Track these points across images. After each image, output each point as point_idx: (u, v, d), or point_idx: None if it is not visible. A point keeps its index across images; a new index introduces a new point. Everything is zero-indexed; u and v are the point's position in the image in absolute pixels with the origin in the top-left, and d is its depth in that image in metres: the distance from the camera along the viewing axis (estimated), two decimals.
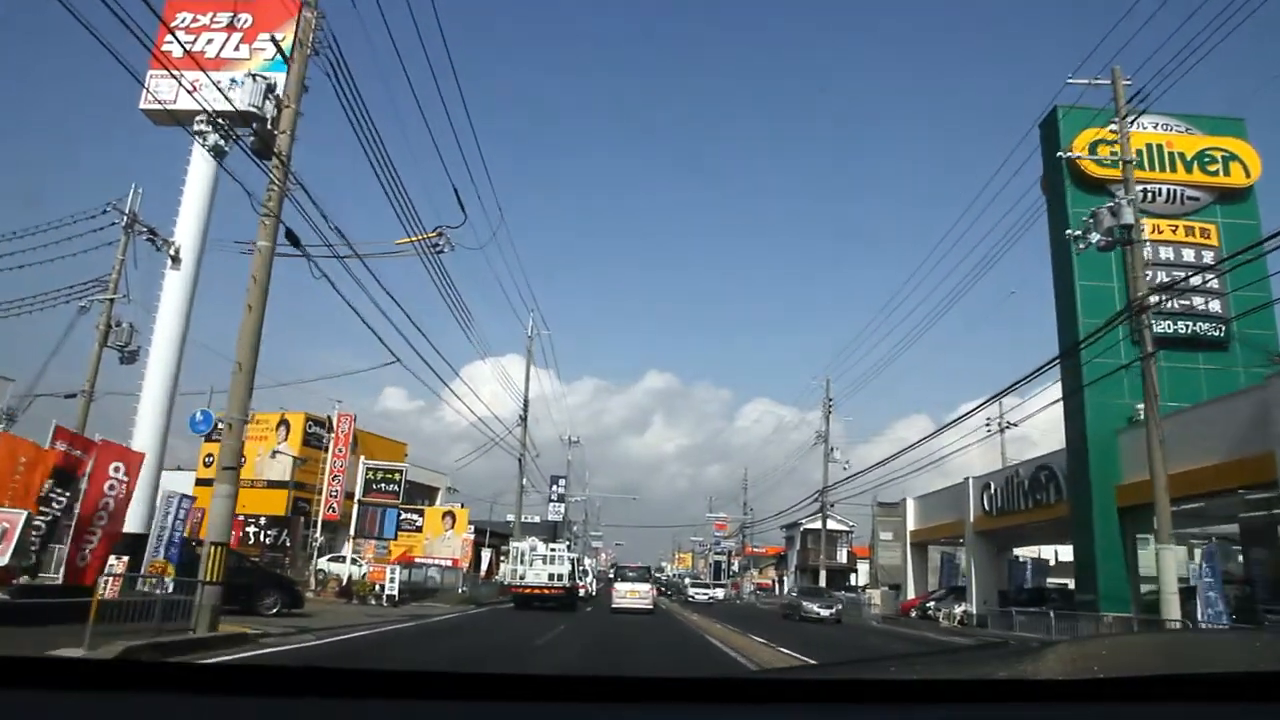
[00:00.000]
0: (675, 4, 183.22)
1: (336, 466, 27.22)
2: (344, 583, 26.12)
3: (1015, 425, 40.49)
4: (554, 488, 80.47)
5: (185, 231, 20.58)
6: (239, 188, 12.68)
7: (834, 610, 30.98)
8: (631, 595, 30.59)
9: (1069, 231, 20.80)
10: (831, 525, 62.05)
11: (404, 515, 40.33)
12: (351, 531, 27.13)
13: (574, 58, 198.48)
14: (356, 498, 27.69)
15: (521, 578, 29.77)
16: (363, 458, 29.63)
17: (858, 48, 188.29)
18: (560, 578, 29.76)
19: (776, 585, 74.68)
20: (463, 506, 65.57)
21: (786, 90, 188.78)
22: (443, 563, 38.02)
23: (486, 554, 53.53)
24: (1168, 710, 1.34)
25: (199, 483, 46.33)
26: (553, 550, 31.02)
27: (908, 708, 1.38)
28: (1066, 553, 45.24)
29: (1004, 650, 3.07)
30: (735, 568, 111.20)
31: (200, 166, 20.06)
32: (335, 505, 27.15)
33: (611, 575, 45.04)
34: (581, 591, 40.83)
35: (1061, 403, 24.27)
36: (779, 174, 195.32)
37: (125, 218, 24.00)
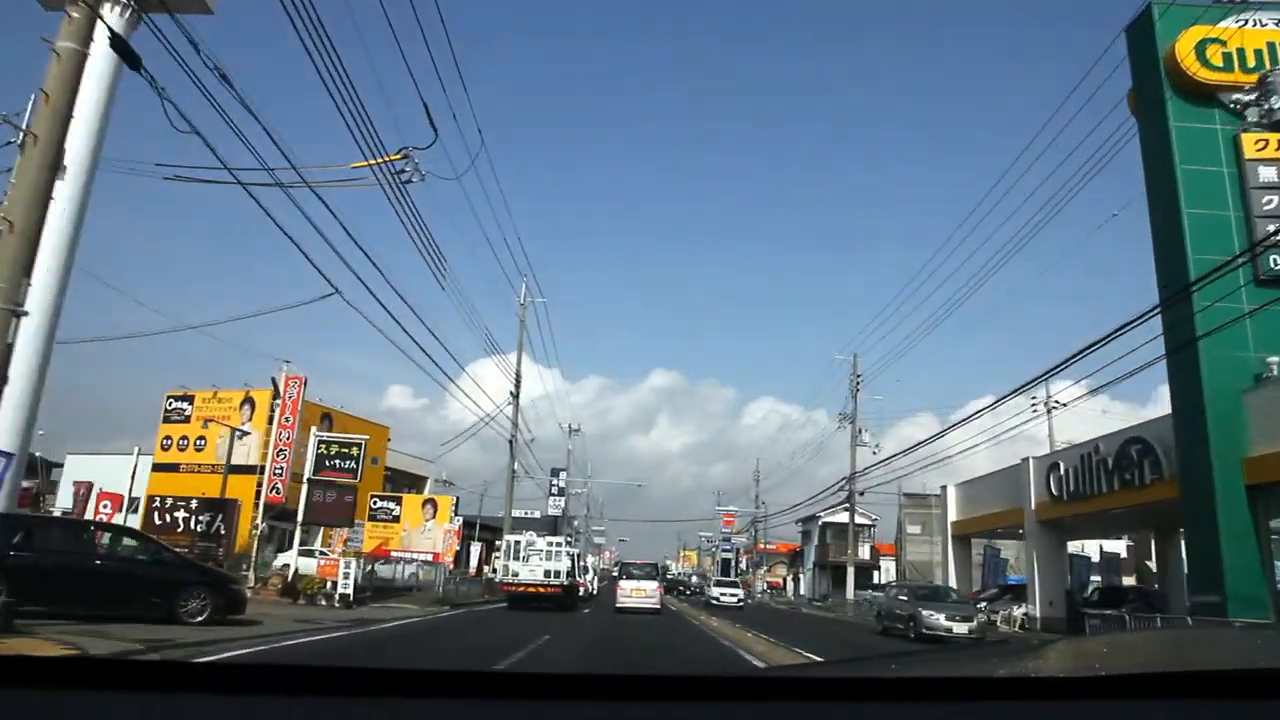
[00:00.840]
0: (677, 4, 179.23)
1: (282, 439, 22.71)
2: (288, 579, 21.60)
3: (1064, 406, 36.15)
4: (554, 480, 75.69)
5: (75, 137, 16.12)
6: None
7: (974, 623, 21.45)
8: (637, 594, 27.56)
9: (1236, 98, 16.11)
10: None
11: (379, 503, 35.87)
12: (299, 518, 22.54)
13: (573, 53, 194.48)
14: (306, 476, 23.12)
15: (514, 574, 25.40)
16: (313, 429, 25.07)
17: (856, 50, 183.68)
18: (558, 575, 25.38)
19: (790, 584, 69.85)
20: (452, 490, 61.49)
21: (788, 88, 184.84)
22: (422, 557, 33.52)
23: (476, 549, 49.11)
24: (1169, 707, 1.33)
25: (157, 468, 42.02)
26: (550, 544, 26.63)
27: (910, 705, 1.38)
28: (1115, 547, 40.87)
29: (1005, 648, 3.06)
30: (744, 565, 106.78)
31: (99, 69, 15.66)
32: (280, 486, 22.61)
33: (616, 573, 40.62)
34: (581, 590, 36.48)
35: (1098, 392, 19.65)
36: (789, 171, 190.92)
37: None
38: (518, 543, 26.09)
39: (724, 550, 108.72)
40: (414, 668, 1.25)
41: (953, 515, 35.43)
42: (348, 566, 21.32)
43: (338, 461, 22.80)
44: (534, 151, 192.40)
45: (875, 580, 55.15)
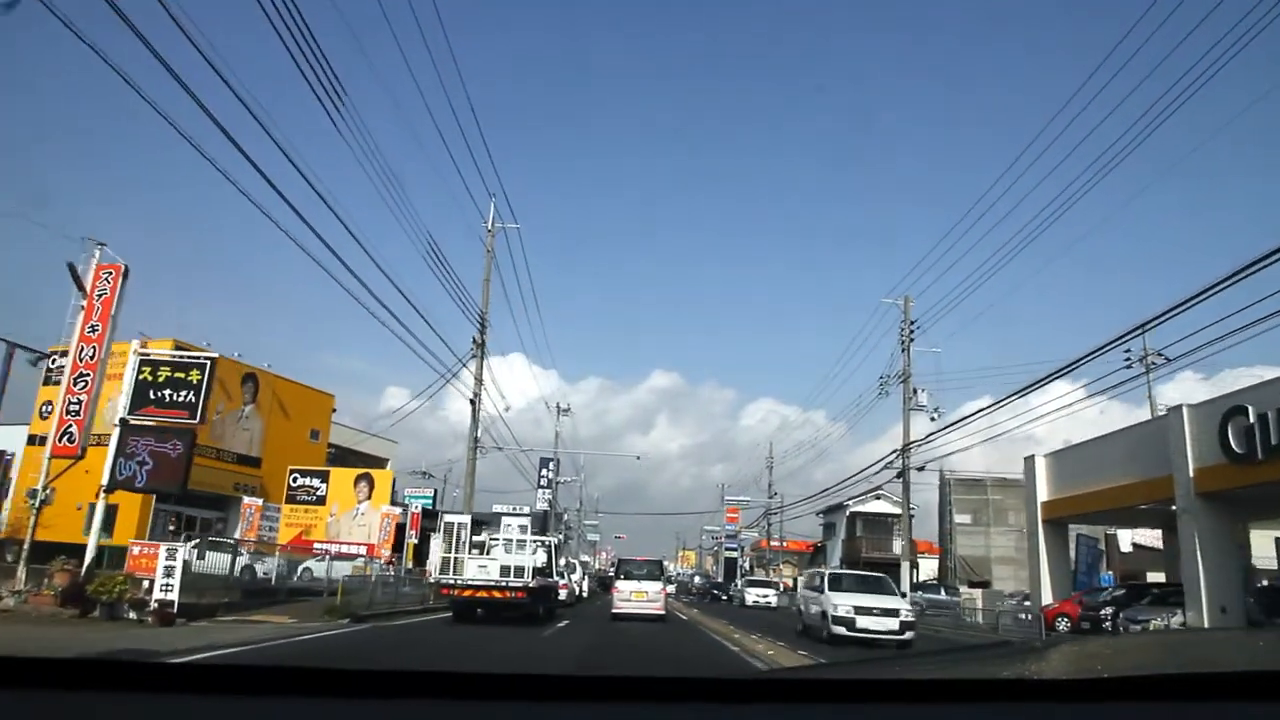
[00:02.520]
0: (679, 5, 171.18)
1: (86, 358, 14.45)
2: (77, 578, 13.37)
3: (1170, 361, 28.22)
4: (543, 472, 67.19)
5: None
6: None
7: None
8: (637, 597, 22.59)
9: None
10: (882, 507, 49.47)
11: (300, 480, 27.78)
12: (104, 480, 14.29)
13: (572, 52, 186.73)
14: (120, 416, 14.81)
15: (457, 572, 17.30)
16: (134, 345, 16.73)
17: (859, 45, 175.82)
18: (521, 572, 17.28)
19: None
20: (430, 482, 53.17)
21: (791, 88, 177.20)
22: (353, 549, 25.36)
23: (436, 543, 41.06)
24: (1170, 709, 1.34)
25: (32, 440, 33.75)
26: (511, 528, 18.50)
27: (912, 707, 1.37)
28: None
29: (1008, 650, 2.99)
30: (747, 566, 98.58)
31: None
32: (74, 431, 14.36)
33: (612, 573, 32.16)
34: (563, 593, 28.38)
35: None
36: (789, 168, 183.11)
37: None
38: (459, 526, 17.95)
39: (728, 548, 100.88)
40: (411, 669, 1.25)
41: (1043, 494, 27.31)
42: (171, 558, 13.12)
43: (168, 393, 14.58)
44: (539, 151, 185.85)
45: (913, 578, 46.96)
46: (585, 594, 40.57)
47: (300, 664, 1.27)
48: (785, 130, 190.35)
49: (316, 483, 27.61)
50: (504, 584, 16.85)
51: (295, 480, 27.65)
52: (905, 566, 30.72)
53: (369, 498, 27.14)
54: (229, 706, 1.21)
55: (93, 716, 1.18)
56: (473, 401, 28.78)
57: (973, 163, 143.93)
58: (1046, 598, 26.21)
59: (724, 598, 50.80)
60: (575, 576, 35.73)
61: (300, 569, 25.38)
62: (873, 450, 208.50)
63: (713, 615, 29.48)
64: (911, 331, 31.79)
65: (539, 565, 20.64)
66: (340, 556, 24.85)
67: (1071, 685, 1.52)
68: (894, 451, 31.66)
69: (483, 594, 16.90)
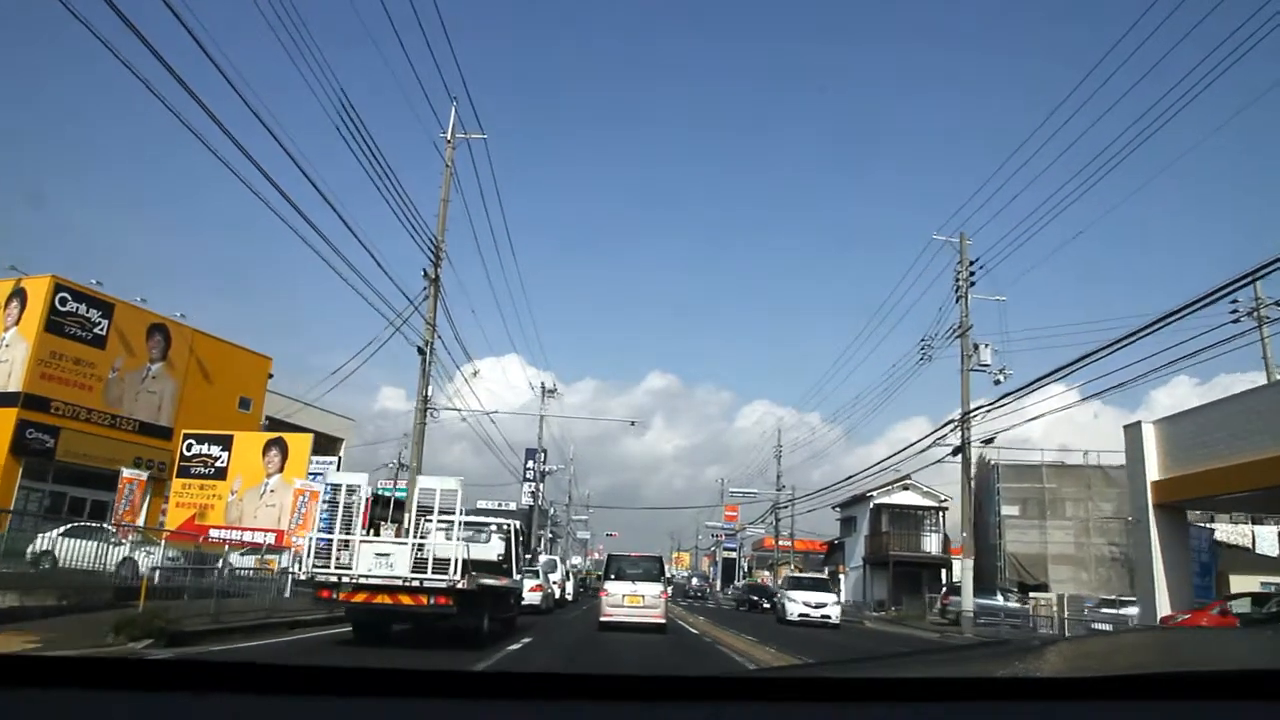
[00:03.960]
0: (679, 5, 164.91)
1: None
2: None
3: None
4: (529, 464, 60.89)
5: None
6: None
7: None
8: (631, 602, 18.08)
9: None
10: (911, 499, 43.38)
11: (195, 447, 21.59)
12: None
13: (562, 49, 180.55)
14: None
15: (341, 563, 11.07)
16: None
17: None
18: (444, 566, 10.98)
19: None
20: (405, 473, 46.91)
21: (789, 90, 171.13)
22: (255, 537, 19.13)
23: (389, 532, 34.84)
24: (1167, 708, 1.33)
25: None
26: (431, 493, 11.99)
27: (907, 705, 1.37)
28: None
29: (1003, 649, 3.01)
30: (747, 567, 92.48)
31: None
32: None
33: (601, 572, 25.55)
34: (536, 596, 22.32)
35: None
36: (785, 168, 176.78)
37: None
38: (348, 489, 11.70)
39: (727, 547, 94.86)
40: (405, 668, 1.25)
41: (1153, 471, 21.23)
42: None
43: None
44: (527, 151, 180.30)
45: (946, 578, 40.79)
46: (570, 596, 34.51)
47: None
48: (786, 128, 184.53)
49: (216, 450, 21.45)
50: (415, 583, 10.65)
51: (190, 448, 21.53)
52: (965, 565, 24.50)
53: (281, 470, 21.03)
54: (223, 705, 1.20)
55: (113, 715, 1.18)
56: (422, 350, 22.55)
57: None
58: (1162, 606, 20.14)
59: (765, 605, 39.17)
60: (556, 576, 29.58)
61: (220, 563, 19.18)
62: (870, 452, 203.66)
63: (720, 624, 23.33)
64: (971, 273, 25.67)
65: (488, 558, 14.52)
66: (243, 545, 18.67)
67: (1068, 684, 1.52)
68: (949, 422, 25.52)
69: (383, 598, 10.69)
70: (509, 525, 15.72)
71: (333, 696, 1.24)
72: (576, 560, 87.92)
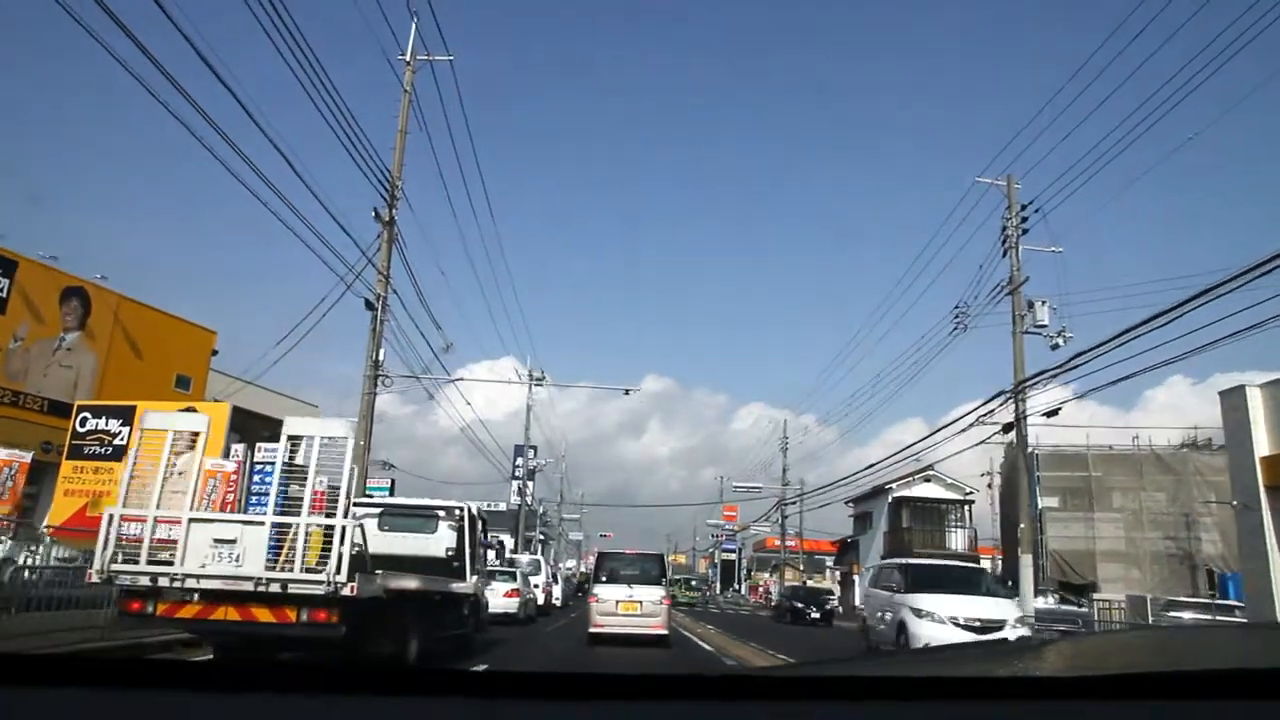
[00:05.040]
0: (678, 7, 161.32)
1: None
2: None
3: None
4: (518, 461, 56.67)
5: None
6: None
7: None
8: (626, 610, 14.74)
9: None
10: (934, 491, 39.55)
11: (90, 420, 17.67)
12: None
13: (567, 59, 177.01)
14: None
15: (155, 558, 7.20)
16: None
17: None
18: (325, 558, 7.04)
19: (838, 590, 51.52)
20: (391, 472, 43.16)
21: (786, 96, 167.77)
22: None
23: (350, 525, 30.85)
24: (1166, 707, 1.32)
25: None
26: (300, 447, 8.00)
27: (906, 704, 1.36)
28: None
29: (1002, 648, 2.96)
30: (747, 569, 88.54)
31: None
32: None
33: (594, 573, 20.66)
34: (512, 603, 18.58)
35: None
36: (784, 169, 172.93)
37: None
38: (173, 438, 7.96)
39: (725, 549, 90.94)
40: (405, 667, 1.30)
41: (1263, 446, 17.41)
42: None
43: None
44: (523, 159, 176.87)
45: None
46: (559, 602, 30.59)
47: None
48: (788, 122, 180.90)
49: (115, 425, 17.51)
50: (275, 587, 6.77)
51: (83, 423, 17.60)
52: (1024, 562, 20.55)
53: (192, 446, 17.16)
54: (223, 705, 1.19)
55: (108, 716, 1.18)
56: (371, 305, 18.59)
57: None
58: None
59: (813, 615, 31.25)
60: (540, 579, 25.61)
61: (24, 556, 15.44)
62: (864, 454, 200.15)
63: (737, 635, 19.44)
64: (1023, 218, 21.83)
65: (432, 553, 10.71)
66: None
67: (1067, 683, 1.51)
68: (1000, 394, 21.64)
69: (226, 612, 6.83)
70: (462, 511, 11.78)
71: (330, 694, 1.24)
72: (571, 563, 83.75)
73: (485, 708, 1.23)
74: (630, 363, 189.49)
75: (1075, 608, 24.45)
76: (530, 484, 61.02)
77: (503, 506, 65.53)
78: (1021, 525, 21.10)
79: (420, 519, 11.75)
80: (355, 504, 11.58)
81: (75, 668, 1.32)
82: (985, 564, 39.39)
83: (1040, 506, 32.10)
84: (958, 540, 38.44)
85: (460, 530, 11.58)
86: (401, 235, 20.03)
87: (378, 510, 11.91)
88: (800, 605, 32.22)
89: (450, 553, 11.51)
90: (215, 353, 29.04)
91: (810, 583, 67.24)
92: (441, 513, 11.82)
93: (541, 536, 76.13)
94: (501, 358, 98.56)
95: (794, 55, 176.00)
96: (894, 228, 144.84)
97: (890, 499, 39.17)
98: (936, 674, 1.65)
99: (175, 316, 27.96)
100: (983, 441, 24.79)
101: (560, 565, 72.34)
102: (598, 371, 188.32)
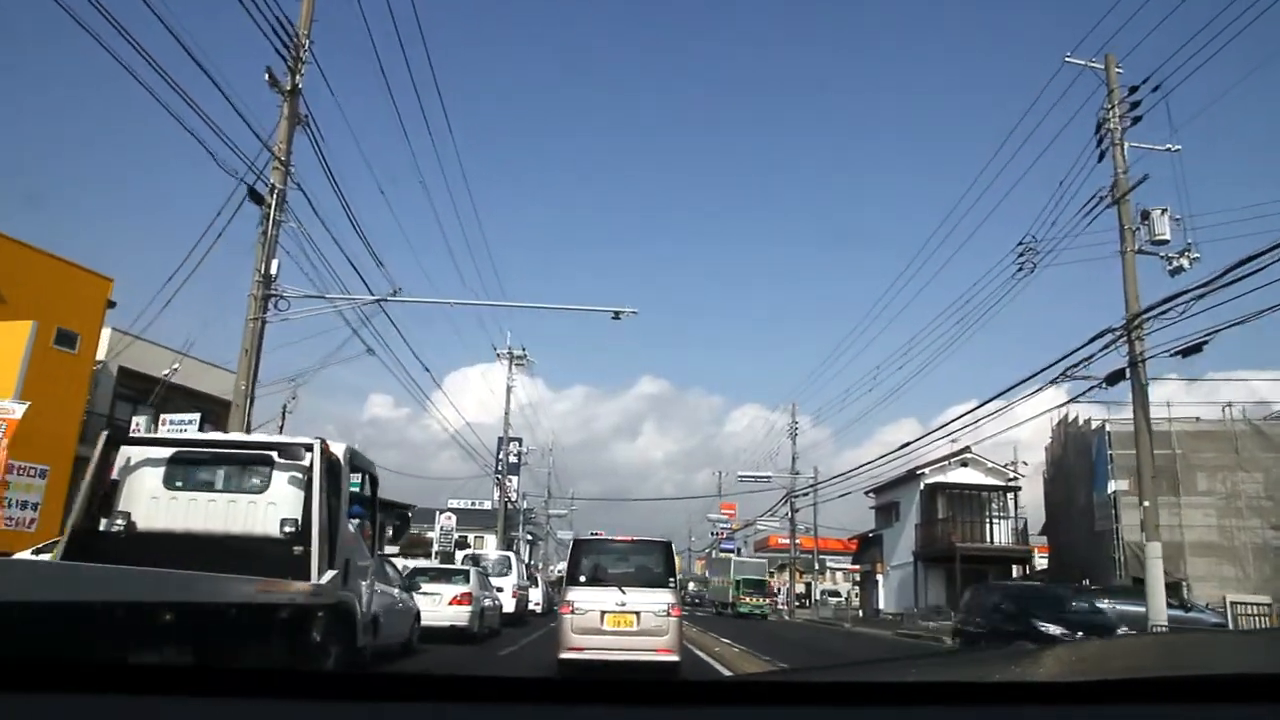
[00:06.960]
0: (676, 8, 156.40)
1: None
2: None
3: None
4: (500, 455, 50.98)
5: None
6: None
7: None
8: (616, 625, 9.65)
9: None
10: (972, 477, 34.44)
11: None
12: None
13: (563, 49, 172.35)
14: None
15: None
16: None
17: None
18: None
19: (855, 593, 46.21)
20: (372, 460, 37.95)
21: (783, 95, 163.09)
22: None
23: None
24: (1166, 711, 1.32)
25: None
26: None
27: (906, 709, 1.35)
28: None
29: (1002, 653, 2.86)
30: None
31: None
32: None
33: (568, 571, 14.89)
34: (461, 613, 13.44)
35: None
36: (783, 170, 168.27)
37: None
38: None
39: (723, 549, 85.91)
40: (405, 672, 1.31)
41: None
42: None
43: None
44: (529, 158, 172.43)
45: (1014, 572, 31.68)
46: (539, 608, 25.66)
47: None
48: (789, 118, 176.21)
49: None
50: None
51: None
52: (1151, 549, 15.44)
53: None
54: (226, 709, 1.19)
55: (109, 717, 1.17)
56: (258, 196, 13.22)
57: None
58: None
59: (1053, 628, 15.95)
60: (508, 581, 20.40)
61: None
62: (857, 455, 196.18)
63: (752, 646, 14.25)
64: (1134, 102, 16.64)
65: (258, 530, 5.73)
66: None
67: (1064, 688, 1.50)
68: (1108, 331, 16.42)
69: None
70: (312, 453, 6.52)
71: (327, 700, 1.24)
72: (561, 565, 78.62)
73: (470, 712, 1.23)
74: (630, 362, 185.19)
75: (1212, 615, 18.98)
76: (515, 479, 55.73)
77: (488, 505, 60.16)
78: (1145, 503, 15.96)
79: (238, 467, 6.59)
80: (129, 440, 6.48)
81: (71, 673, 1.28)
82: (1036, 560, 34.45)
83: (1113, 489, 26.94)
84: (1000, 533, 33.28)
85: (308, 488, 6.38)
86: (316, 125, 14.75)
87: (165, 454, 6.69)
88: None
89: (291, 532, 6.31)
90: (112, 304, 23.59)
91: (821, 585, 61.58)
92: (276, 456, 6.61)
93: (529, 537, 70.78)
94: (491, 357, 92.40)
95: (793, 54, 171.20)
96: (894, 228, 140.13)
97: (922, 486, 33.96)
98: (933, 679, 1.64)
99: (54, 256, 22.54)
100: (1072, 400, 19.76)
101: (551, 568, 66.76)
102: (590, 373, 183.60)
